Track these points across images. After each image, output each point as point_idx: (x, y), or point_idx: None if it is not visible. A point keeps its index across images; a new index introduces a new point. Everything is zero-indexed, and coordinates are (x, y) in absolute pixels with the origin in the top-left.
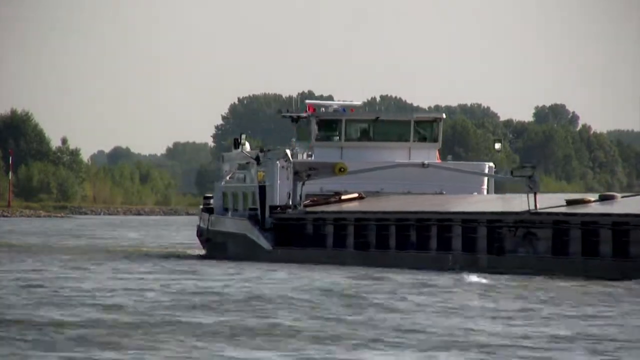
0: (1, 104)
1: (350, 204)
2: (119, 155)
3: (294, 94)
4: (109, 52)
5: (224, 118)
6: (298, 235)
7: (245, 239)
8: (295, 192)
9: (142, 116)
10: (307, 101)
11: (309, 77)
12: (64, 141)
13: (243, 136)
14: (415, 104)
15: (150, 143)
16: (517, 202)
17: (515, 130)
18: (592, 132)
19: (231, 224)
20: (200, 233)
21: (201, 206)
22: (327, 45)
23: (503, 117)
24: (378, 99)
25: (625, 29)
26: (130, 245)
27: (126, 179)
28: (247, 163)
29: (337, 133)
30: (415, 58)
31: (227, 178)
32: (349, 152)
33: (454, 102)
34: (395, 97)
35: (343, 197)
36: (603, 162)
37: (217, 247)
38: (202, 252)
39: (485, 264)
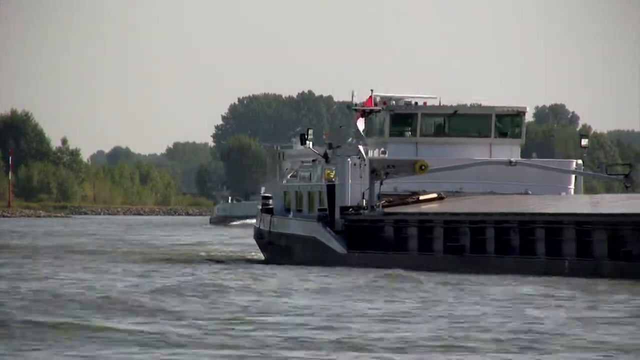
0: (1, 104)
1: (431, 204)
2: (118, 155)
3: (294, 94)
4: (109, 52)
5: (224, 118)
6: (375, 239)
7: (315, 242)
8: (372, 191)
9: (142, 116)
10: (374, 93)
11: (309, 77)
12: (64, 141)
13: (310, 132)
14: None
15: (150, 143)
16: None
17: None
18: (592, 132)
19: (298, 226)
20: (260, 236)
21: (259, 206)
22: (327, 45)
23: None
24: (378, 99)
25: (625, 29)
26: (204, 250)
27: (126, 179)
28: (313, 160)
29: (412, 128)
30: (415, 58)
31: (288, 176)
32: (424, 148)
33: (454, 102)
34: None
35: (421, 197)
36: (603, 162)
37: (280, 251)
38: (261, 256)
39: (609, 270)
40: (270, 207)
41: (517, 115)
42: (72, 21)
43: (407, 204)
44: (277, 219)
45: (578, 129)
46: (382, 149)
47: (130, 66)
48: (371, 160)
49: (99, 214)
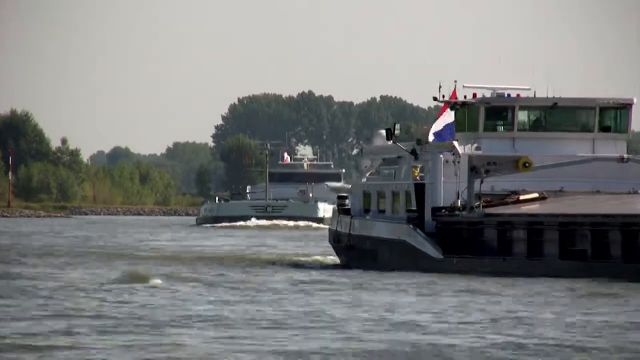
0: (1, 104)
1: (533, 205)
2: (118, 155)
3: (294, 94)
4: (109, 52)
5: (223, 118)
6: (474, 242)
7: (405, 245)
8: (471, 191)
9: (142, 116)
10: (465, 85)
11: (309, 77)
12: (64, 141)
13: (397, 126)
14: (415, 104)
15: (150, 143)
16: None
17: None
18: None
19: (384, 229)
20: (337, 239)
21: (334, 207)
22: (327, 45)
23: None
24: (378, 99)
25: (625, 29)
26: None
27: (126, 179)
28: (398, 157)
29: (508, 122)
30: (415, 58)
31: (367, 175)
32: (521, 144)
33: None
34: (395, 97)
35: (521, 197)
36: None
37: (362, 255)
38: (336, 260)
39: None
40: (347, 207)
41: (622, 107)
42: (72, 21)
43: (506, 204)
44: (359, 220)
45: None
46: (477, 145)
47: (130, 66)
48: (470, 157)
49: (99, 214)
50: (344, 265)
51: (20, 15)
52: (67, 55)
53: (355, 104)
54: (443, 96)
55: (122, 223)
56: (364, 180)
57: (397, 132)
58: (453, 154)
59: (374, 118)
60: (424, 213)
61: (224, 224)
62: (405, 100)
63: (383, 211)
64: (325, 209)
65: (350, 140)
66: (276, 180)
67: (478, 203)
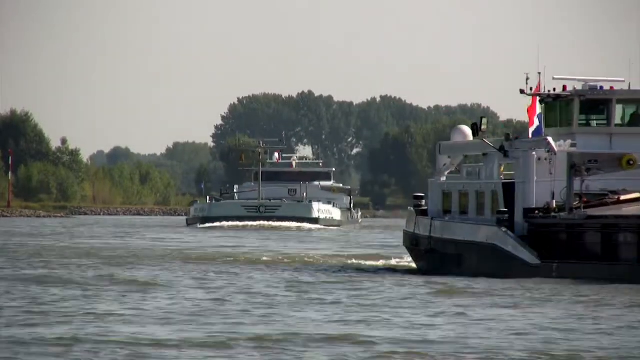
0: (1, 104)
1: (636, 206)
2: (118, 155)
3: (294, 94)
4: (109, 52)
5: (223, 118)
6: (575, 247)
7: (495, 250)
8: (571, 191)
9: (142, 116)
10: (555, 76)
11: (309, 77)
12: (64, 141)
13: (484, 121)
14: (415, 104)
15: (150, 143)
16: None
17: (515, 130)
18: None
19: (470, 231)
20: (415, 242)
21: (410, 208)
22: (327, 45)
23: (503, 117)
24: (378, 99)
25: (625, 29)
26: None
27: (126, 179)
28: (484, 154)
29: (604, 116)
30: (415, 58)
31: (446, 173)
32: (619, 140)
33: (454, 102)
34: (395, 97)
35: (622, 197)
36: None
37: (445, 260)
38: (412, 264)
39: None
40: (424, 208)
41: None
42: (72, 21)
43: (606, 204)
44: (441, 222)
45: None
46: (570, 141)
47: (130, 66)
48: (571, 154)
49: (99, 214)
50: (426, 271)
51: (20, 15)
52: (67, 55)
53: (355, 104)
54: (531, 89)
55: (120, 224)
56: (443, 179)
57: (484, 127)
58: (547, 151)
59: (373, 118)
60: (513, 214)
61: (224, 223)
62: (405, 101)
63: (464, 212)
64: (320, 209)
65: (350, 140)
66: (264, 180)
67: (578, 204)
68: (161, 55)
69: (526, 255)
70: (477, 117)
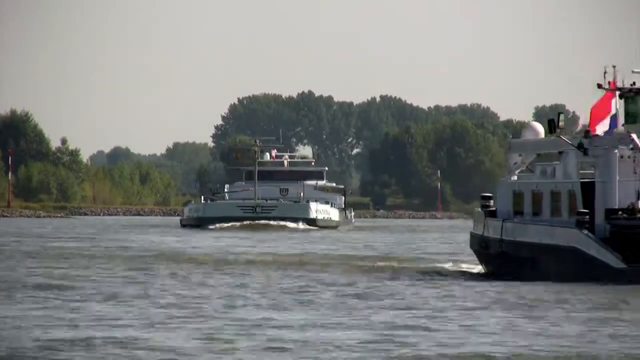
0: (1, 104)
1: None
2: (118, 155)
3: (294, 94)
4: (109, 53)
5: (224, 118)
6: None
7: (575, 253)
8: None
9: (142, 116)
10: (634, 70)
11: (309, 77)
12: (64, 141)
13: (562, 117)
14: (415, 104)
15: (150, 143)
16: None
17: (515, 130)
18: None
19: (546, 234)
20: (485, 245)
21: (477, 209)
22: (327, 45)
23: (503, 117)
24: (378, 99)
25: (625, 29)
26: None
27: (126, 179)
28: (559, 152)
29: None
30: (415, 58)
31: (517, 172)
32: None
33: (454, 102)
34: (395, 97)
35: None
36: None
37: (518, 263)
38: (479, 268)
39: None
40: (493, 209)
41: None
42: (72, 21)
43: None
44: (513, 224)
45: (578, 129)
46: None
47: (130, 66)
48: None
49: (99, 214)
50: (496, 276)
51: (20, 15)
52: (67, 55)
53: (355, 104)
54: (609, 83)
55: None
56: (513, 178)
57: (561, 123)
58: (631, 149)
59: (373, 118)
60: (593, 216)
61: (224, 224)
62: (405, 101)
63: (537, 214)
64: (318, 209)
65: (350, 140)
66: (256, 179)
67: None
68: (161, 55)
69: (610, 259)
70: (477, 116)
